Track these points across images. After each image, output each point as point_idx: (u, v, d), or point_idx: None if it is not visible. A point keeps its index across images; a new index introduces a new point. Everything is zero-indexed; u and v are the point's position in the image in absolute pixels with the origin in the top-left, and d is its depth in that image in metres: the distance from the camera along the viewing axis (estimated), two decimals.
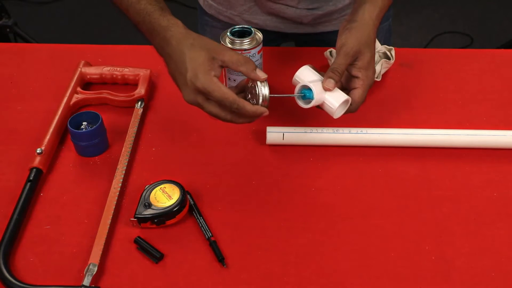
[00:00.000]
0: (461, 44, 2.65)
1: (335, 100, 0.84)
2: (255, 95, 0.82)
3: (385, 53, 1.06)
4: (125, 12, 0.87)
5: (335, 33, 0.99)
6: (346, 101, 0.85)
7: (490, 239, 0.82)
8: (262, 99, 0.81)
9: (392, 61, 1.07)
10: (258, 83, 0.81)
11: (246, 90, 0.85)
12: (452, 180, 0.90)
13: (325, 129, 0.95)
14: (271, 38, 1.17)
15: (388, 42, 1.27)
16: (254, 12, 1.16)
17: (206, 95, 0.78)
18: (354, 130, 0.94)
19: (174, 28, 0.82)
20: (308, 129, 0.94)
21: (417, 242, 0.81)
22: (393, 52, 1.07)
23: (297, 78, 0.87)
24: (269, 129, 0.94)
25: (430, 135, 0.95)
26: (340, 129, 0.94)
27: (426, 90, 1.07)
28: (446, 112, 1.03)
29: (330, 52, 1.08)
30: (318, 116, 0.90)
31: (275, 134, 0.94)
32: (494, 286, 0.77)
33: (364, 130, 0.94)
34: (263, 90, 0.81)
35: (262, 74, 0.81)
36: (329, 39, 1.13)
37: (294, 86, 0.86)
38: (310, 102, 0.84)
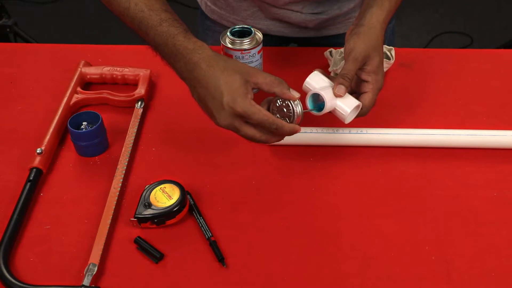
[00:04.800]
0: (461, 44, 2.65)
1: (346, 106, 0.85)
2: (287, 113, 0.83)
3: (385, 53, 1.06)
4: (144, 35, 0.84)
5: (339, 36, 1.00)
6: (357, 107, 0.85)
7: (490, 239, 0.82)
8: (296, 117, 0.82)
9: (392, 61, 1.07)
10: (292, 102, 0.82)
11: (271, 106, 0.85)
12: (452, 180, 0.90)
13: (325, 129, 0.95)
14: (274, 43, 1.17)
15: (392, 43, 1.27)
16: (257, 17, 1.16)
17: (245, 118, 0.78)
18: (354, 130, 0.94)
19: (201, 50, 0.80)
20: (308, 129, 0.94)
21: (417, 242, 0.81)
22: (393, 52, 1.07)
23: (307, 85, 0.87)
24: None
25: (430, 135, 0.94)
26: (340, 129, 0.94)
27: (426, 90, 1.07)
28: (446, 112, 1.03)
29: (330, 52, 1.08)
30: (318, 116, 0.90)
31: None
32: (494, 286, 0.77)
33: (364, 130, 0.94)
34: (298, 109, 0.82)
35: (295, 93, 0.81)
36: (333, 42, 1.13)
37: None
38: (322, 110, 0.84)
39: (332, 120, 0.90)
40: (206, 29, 1.25)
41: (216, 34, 1.07)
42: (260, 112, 0.78)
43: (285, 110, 0.83)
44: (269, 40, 1.09)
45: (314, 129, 0.94)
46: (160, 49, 0.83)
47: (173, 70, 0.84)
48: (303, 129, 0.94)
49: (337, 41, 1.03)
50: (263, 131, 0.80)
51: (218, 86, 0.78)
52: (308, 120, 0.93)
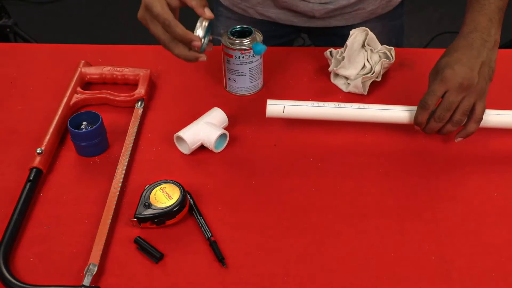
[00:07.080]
0: None
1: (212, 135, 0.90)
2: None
3: (385, 53, 1.06)
4: None
5: (348, 28, 1.01)
6: (224, 135, 0.91)
7: (490, 239, 0.82)
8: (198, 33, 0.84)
9: (392, 61, 1.07)
10: (199, 21, 0.84)
11: None
12: (452, 180, 0.90)
13: (326, 103, 0.94)
14: (285, 33, 1.18)
15: (400, 40, 1.28)
16: (267, 5, 1.18)
17: (149, 11, 0.82)
18: (356, 105, 0.94)
19: None
20: (309, 103, 0.93)
21: (417, 242, 0.81)
22: (393, 52, 1.07)
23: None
24: (269, 101, 0.93)
25: None
26: (342, 104, 0.94)
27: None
28: None
29: (330, 52, 1.08)
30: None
31: (276, 107, 0.92)
32: (494, 286, 0.77)
33: (366, 105, 0.94)
34: (199, 29, 0.84)
35: (208, 13, 0.84)
36: (342, 33, 1.14)
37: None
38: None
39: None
40: (218, 15, 1.27)
41: (228, 21, 1.08)
42: (158, 5, 0.81)
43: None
44: (279, 30, 1.10)
45: (315, 103, 0.93)
46: None
47: None
48: (304, 102, 0.93)
49: (346, 32, 1.04)
50: (164, 31, 0.83)
51: None
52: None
